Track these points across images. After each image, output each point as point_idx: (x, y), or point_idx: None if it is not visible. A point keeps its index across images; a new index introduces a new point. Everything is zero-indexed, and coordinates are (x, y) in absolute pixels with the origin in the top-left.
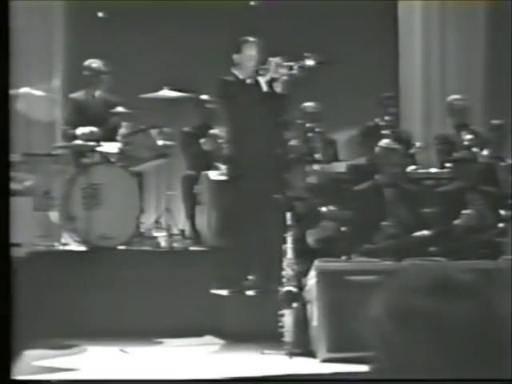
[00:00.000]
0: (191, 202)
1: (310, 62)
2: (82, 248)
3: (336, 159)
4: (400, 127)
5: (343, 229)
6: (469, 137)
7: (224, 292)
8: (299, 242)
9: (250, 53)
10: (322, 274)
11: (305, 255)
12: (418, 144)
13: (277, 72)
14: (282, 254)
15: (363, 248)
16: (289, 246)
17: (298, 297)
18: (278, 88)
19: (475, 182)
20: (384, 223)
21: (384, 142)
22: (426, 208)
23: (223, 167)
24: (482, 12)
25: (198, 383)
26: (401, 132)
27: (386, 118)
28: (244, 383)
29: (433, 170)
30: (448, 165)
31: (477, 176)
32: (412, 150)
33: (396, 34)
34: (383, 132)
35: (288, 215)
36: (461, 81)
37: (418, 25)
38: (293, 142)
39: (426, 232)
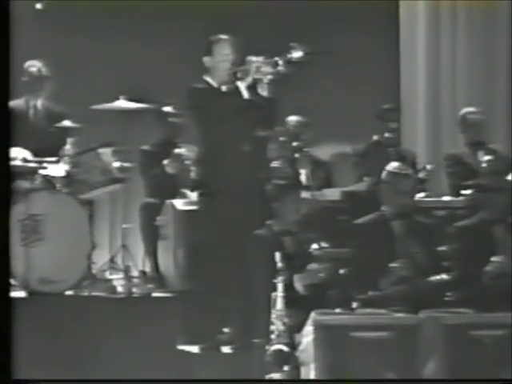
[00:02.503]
0: (153, 237)
1: (297, 54)
2: (19, 294)
3: (328, 185)
4: (402, 145)
5: (342, 271)
6: (487, 157)
7: (194, 348)
8: (291, 288)
9: (223, 53)
10: (321, 330)
11: (298, 306)
12: (428, 167)
13: (259, 72)
14: (270, 303)
15: (367, 296)
16: (278, 295)
17: (290, 357)
18: (263, 92)
19: (503, 214)
20: (393, 264)
21: (392, 165)
22: (444, 246)
23: (192, 194)
24: (500, 10)
25: (198, 383)
26: (403, 151)
27: (386, 134)
28: (244, 383)
29: (446, 198)
30: (465, 192)
31: (504, 207)
32: (421, 175)
33: (397, 37)
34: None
35: (277, 255)
36: (475, 90)
37: (423, 26)
38: (276, 164)
39: (444, 276)
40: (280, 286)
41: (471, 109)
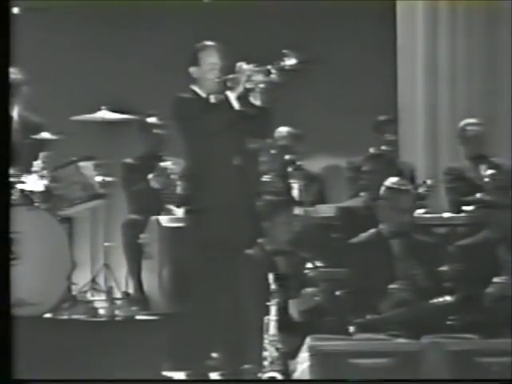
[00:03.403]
0: (137, 256)
1: (290, 62)
2: None
3: (322, 200)
4: (400, 159)
5: (338, 293)
6: (490, 172)
7: (180, 374)
8: (284, 312)
9: (211, 61)
10: (318, 357)
11: (293, 330)
12: (428, 182)
13: (250, 81)
14: (263, 327)
15: (365, 320)
16: (271, 318)
17: None
18: (256, 101)
19: (507, 232)
20: (392, 286)
21: (391, 180)
22: (446, 266)
23: (178, 210)
24: (505, 11)
25: (198, 383)
26: (401, 165)
27: (383, 147)
28: (244, 383)
29: (446, 214)
30: (466, 208)
31: (508, 225)
32: (420, 190)
33: (393, 40)
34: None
35: (270, 276)
36: (477, 100)
37: (421, 28)
38: (267, 178)
39: (447, 298)
40: (273, 310)
41: (472, 120)
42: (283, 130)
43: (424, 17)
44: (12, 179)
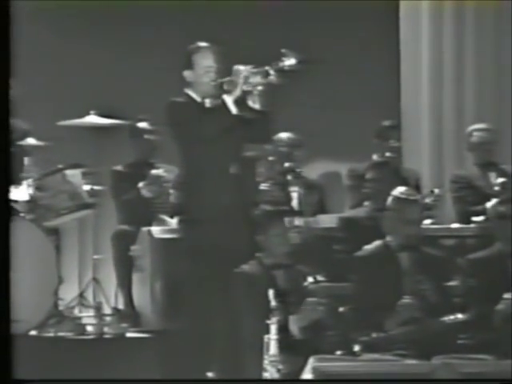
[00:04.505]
0: (127, 269)
1: (290, 62)
2: None
3: (323, 210)
4: (404, 165)
5: (342, 310)
6: (500, 180)
7: None
8: (285, 330)
9: (205, 63)
10: (321, 378)
11: (294, 350)
12: (436, 191)
13: (248, 83)
14: (263, 347)
15: (371, 338)
16: (272, 337)
17: None
18: (255, 105)
19: None
20: (399, 302)
21: (399, 190)
22: (457, 281)
23: (171, 221)
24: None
25: (198, 383)
26: (406, 172)
27: (387, 153)
28: (243, 383)
29: (454, 225)
30: (476, 219)
31: None
32: (427, 200)
33: (396, 42)
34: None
35: (270, 292)
36: (485, 103)
37: (426, 29)
38: (265, 187)
39: (459, 315)
40: (274, 328)
41: (481, 125)
42: (282, 135)
43: (429, 16)
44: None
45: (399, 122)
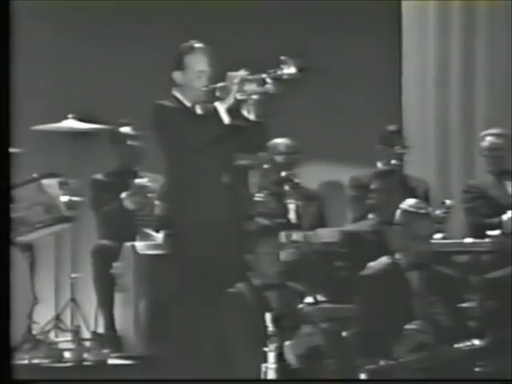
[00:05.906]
0: (108, 289)
1: (289, 70)
2: None
3: (323, 223)
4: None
5: (345, 334)
6: None
7: None
8: (283, 358)
9: (198, 66)
10: None
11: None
12: (448, 202)
13: (242, 91)
14: (259, 377)
15: (378, 366)
16: (270, 367)
17: None
18: (250, 114)
19: None
20: (409, 326)
21: (408, 203)
22: (473, 302)
23: (157, 235)
24: None
25: (198, 383)
26: (414, 181)
27: (393, 161)
28: (244, 383)
29: (467, 240)
30: (492, 233)
31: None
32: (438, 212)
33: (399, 43)
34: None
35: (267, 316)
36: (497, 107)
37: (432, 29)
38: (259, 198)
39: (475, 341)
40: (271, 356)
41: (494, 130)
42: (278, 141)
43: (435, 14)
44: None
45: (404, 127)
